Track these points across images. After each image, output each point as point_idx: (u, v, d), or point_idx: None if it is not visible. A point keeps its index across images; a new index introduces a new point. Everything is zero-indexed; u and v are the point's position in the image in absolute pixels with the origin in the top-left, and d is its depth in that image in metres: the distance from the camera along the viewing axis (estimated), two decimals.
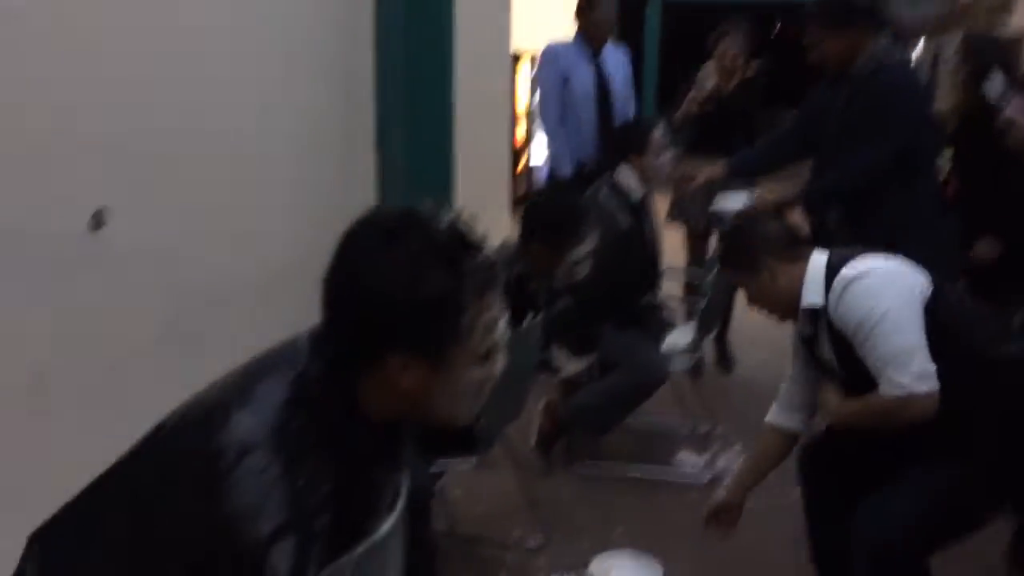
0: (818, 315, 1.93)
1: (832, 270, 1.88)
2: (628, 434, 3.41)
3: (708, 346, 4.07)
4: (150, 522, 1.01)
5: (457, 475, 2.71)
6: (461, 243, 1.06)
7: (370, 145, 3.84)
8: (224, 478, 0.95)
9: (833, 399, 1.95)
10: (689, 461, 3.22)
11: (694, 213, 4.05)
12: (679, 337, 3.24)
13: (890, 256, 1.91)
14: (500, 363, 1.13)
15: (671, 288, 3.82)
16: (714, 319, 3.32)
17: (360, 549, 1.10)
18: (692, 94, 3.99)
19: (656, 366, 3.00)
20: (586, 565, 2.49)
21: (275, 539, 0.94)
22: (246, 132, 2.99)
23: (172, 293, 2.66)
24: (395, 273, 1.02)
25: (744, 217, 2.96)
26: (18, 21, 2.08)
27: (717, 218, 3.94)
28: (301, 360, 1.07)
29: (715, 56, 4.12)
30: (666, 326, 3.34)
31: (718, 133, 3.92)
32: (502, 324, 1.11)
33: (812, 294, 1.91)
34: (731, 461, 3.22)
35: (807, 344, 2.02)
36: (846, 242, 2.88)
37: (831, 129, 2.85)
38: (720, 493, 2.17)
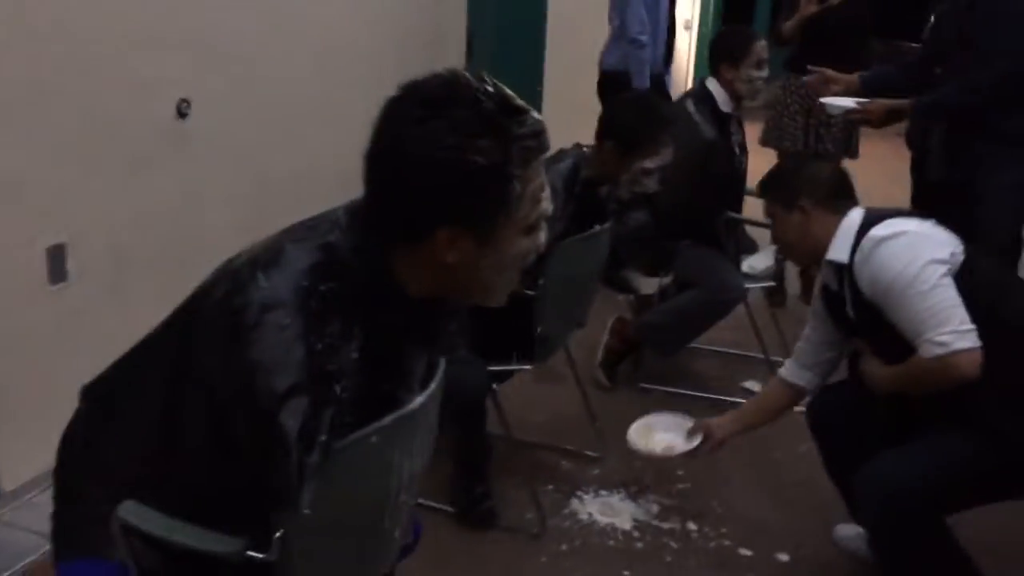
0: (842, 273, 1.86)
1: (864, 229, 1.81)
2: (697, 356, 3.37)
3: (793, 277, 3.95)
4: (180, 373, 1.05)
5: (519, 384, 2.74)
6: (507, 109, 1.02)
7: (460, 54, 3.81)
8: (247, 331, 0.97)
9: (875, 366, 1.88)
10: (757, 388, 3.16)
11: (791, 134, 3.87)
12: (759, 260, 3.14)
13: (925, 219, 1.83)
14: (544, 235, 1.10)
15: (759, 212, 3.70)
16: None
17: (387, 420, 1.11)
18: (803, 8, 3.71)
19: (732, 287, 2.92)
20: (638, 483, 2.50)
21: (288, 396, 0.96)
22: (331, 32, 3.00)
23: (250, 186, 2.73)
24: (442, 142, 0.98)
25: (847, 116, 2.85)
26: None
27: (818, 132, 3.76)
28: (336, 229, 1.07)
29: None
30: (747, 247, 3.24)
31: (825, 53, 3.67)
32: (547, 193, 1.08)
33: (839, 250, 1.84)
34: None
35: (832, 301, 1.95)
36: (942, 166, 2.74)
37: (947, 34, 2.65)
38: (714, 419, 2.13)
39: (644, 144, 2.26)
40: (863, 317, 1.85)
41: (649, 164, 2.29)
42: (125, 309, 2.30)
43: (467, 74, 1.04)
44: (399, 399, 1.16)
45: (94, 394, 1.20)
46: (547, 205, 1.08)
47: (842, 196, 1.93)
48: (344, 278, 1.04)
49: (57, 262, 2.16)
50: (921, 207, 2.79)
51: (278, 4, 2.71)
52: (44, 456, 1.87)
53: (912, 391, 1.81)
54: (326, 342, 1.00)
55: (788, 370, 2.11)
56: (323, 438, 0.99)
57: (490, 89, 1.02)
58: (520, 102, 1.04)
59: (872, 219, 1.83)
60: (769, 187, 2.03)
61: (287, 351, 0.97)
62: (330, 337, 1.01)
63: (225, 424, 1.01)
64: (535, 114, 1.05)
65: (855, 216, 1.86)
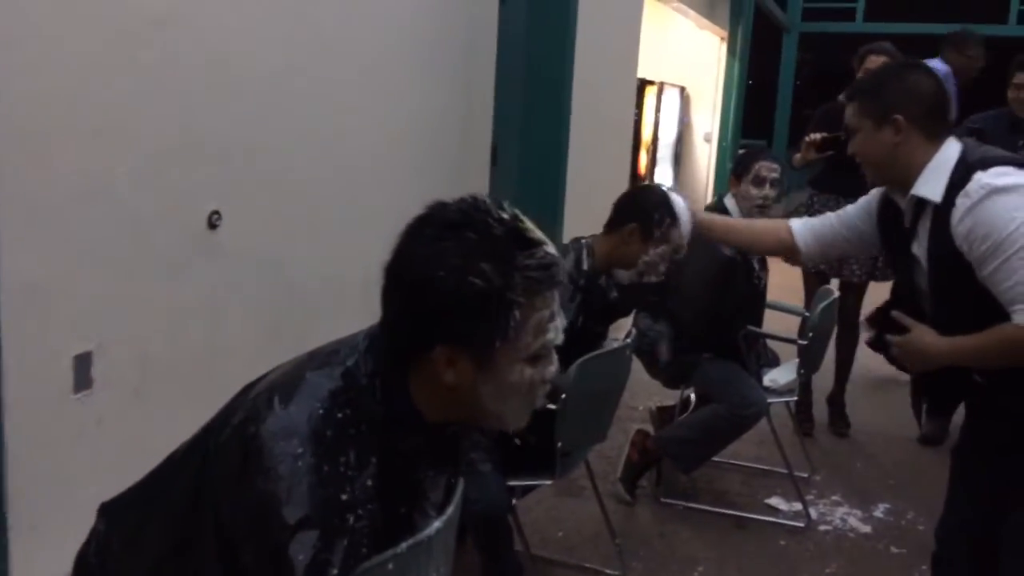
0: (922, 209, 1.68)
1: (965, 168, 1.62)
2: (720, 471, 3.31)
3: (821, 404, 3.91)
4: (195, 500, 1.05)
5: (539, 498, 2.70)
6: (518, 238, 1.04)
7: (485, 161, 3.91)
8: (259, 459, 0.97)
9: (928, 336, 1.68)
10: (781, 505, 3.09)
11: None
12: (781, 374, 3.13)
13: None
14: (553, 366, 1.11)
15: (784, 326, 3.69)
16: (817, 358, 3.18)
17: (403, 546, 1.10)
18: (810, 137, 3.64)
19: (752, 401, 2.90)
20: None
21: (298, 529, 0.94)
22: (359, 143, 3.10)
23: (278, 295, 2.77)
24: (445, 263, 1.01)
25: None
26: (155, 38, 2.24)
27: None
28: (356, 354, 1.09)
29: (859, 76, 3.67)
30: (768, 361, 3.22)
31: (850, 173, 3.65)
32: (556, 326, 1.08)
33: (930, 186, 1.65)
34: (827, 511, 3.06)
35: (891, 230, 1.78)
36: None
37: None
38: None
39: (666, 227, 2.28)
40: (938, 267, 1.65)
41: (667, 248, 2.30)
42: (148, 417, 2.31)
43: (488, 200, 1.07)
44: (415, 524, 1.15)
45: (112, 514, 1.20)
46: (554, 336, 1.08)
47: (940, 121, 1.72)
48: (361, 404, 1.04)
49: (82, 370, 2.19)
50: None
51: (306, 117, 2.81)
52: (59, 564, 1.85)
53: (984, 364, 1.63)
54: (340, 471, 0.99)
55: (798, 223, 2.05)
56: (335, 571, 0.96)
57: (505, 217, 1.05)
58: (534, 234, 1.06)
59: (973, 159, 1.63)
60: (860, 93, 1.79)
61: (299, 481, 0.96)
62: (344, 466, 1.00)
63: (235, 555, 0.99)
64: (549, 247, 1.06)
65: (952, 150, 1.66)
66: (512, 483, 2.21)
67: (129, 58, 2.19)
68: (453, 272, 1.01)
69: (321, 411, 1.01)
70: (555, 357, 1.10)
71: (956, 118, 3.76)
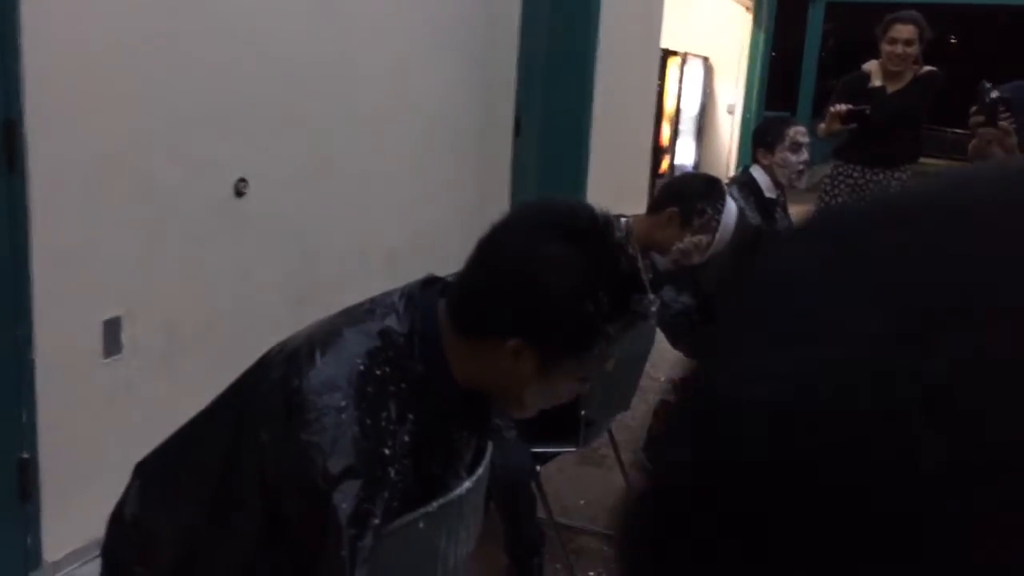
0: None
1: None
2: None
3: None
4: (235, 452, 1.06)
5: (563, 467, 2.71)
6: (636, 282, 1.06)
7: (507, 135, 3.89)
8: (304, 411, 0.98)
9: None
10: None
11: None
12: None
13: None
14: (588, 385, 1.14)
15: None
16: None
17: (435, 505, 1.11)
18: (835, 107, 3.58)
19: None
20: None
21: (342, 479, 0.96)
22: (385, 114, 3.09)
23: (304, 263, 2.79)
24: (569, 274, 1.02)
25: None
26: (177, 14, 2.24)
27: None
28: (393, 313, 1.09)
29: (884, 46, 3.65)
30: None
31: (876, 139, 3.59)
32: (614, 355, 1.11)
33: None
34: None
35: None
36: None
37: None
38: None
39: (707, 217, 2.26)
40: None
41: (705, 239, 2.28)
42: (175, 382, 2.34)
43: (614, 222, 1.07)
44: (446, 484, 1.16)
45: (146, 471, 1.22)
46: (610, 366, 1.12)
47: None
48: (399, 363, 1.05)
49: (112, 335, 2.21)
50: None
51: (332, 89, 2.81)
52: (88, 528, 1.88)
53: None
54: (381, 425, 1.01)
55: None
56: (376, 521, 0.99)
57: (631, 253, 1.06)
58: (646, 281, 1.09)
59: None
60: None
61: (343, 433, 0.98)
62: (385, 420, 1.02)
63: (278, 504, 1.01)
64: (652, 297, 1.09)
65: None
66: (536, 450, 2.22)
67: (158, 27, 2.19)
68: (573, 288, 1.01)
69: (361, 367, 1.02)
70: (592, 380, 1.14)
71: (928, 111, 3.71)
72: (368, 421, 1.00)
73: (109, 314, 2.20)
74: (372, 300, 1.13)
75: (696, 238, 2.27)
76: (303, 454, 0.97)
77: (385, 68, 3.04)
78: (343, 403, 0.99)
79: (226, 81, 2.41)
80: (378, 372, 1.03)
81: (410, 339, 1.07)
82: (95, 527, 1.85)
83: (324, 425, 0.98)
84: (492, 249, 1.07)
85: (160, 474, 1.19)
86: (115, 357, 2.22)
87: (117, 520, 1.20)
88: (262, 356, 1.12)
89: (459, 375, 1.10)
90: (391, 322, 1.08)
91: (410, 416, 1.04)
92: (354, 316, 1.10)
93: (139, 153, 2.20)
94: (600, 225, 1.05)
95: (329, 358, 1.02)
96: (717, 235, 2.30)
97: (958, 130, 4.73)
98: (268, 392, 1.04)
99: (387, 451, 1.01)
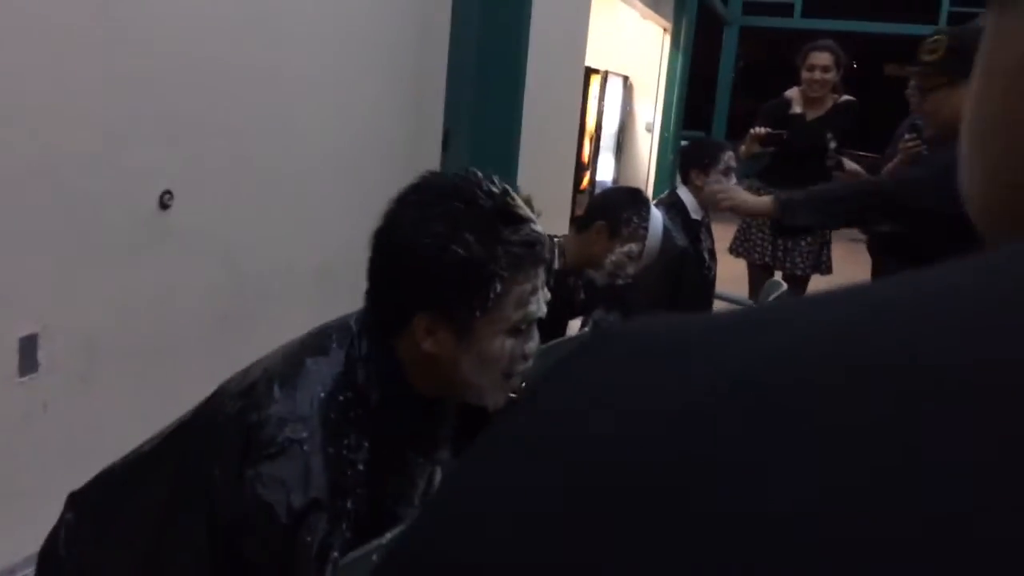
0: None
1: None
2: None
3: None
4: (183, 489, 1.03)
5: None
6: (503, 213, 1.04)
7: (435, 148, 3.89)
8: (265, 446, 0.96)
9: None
10: None
11: (759, 246, 3.95)
12: None
13: None
14: (534, 341, 1.11)
15: None
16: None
17: (388, 537, 1.10)
18: (755, 130, 3.70)
19: None
20: None
21: (307, 513, 0.94)
22: (314, 127, 3.05)
23: (227, 279, 2.72)
24: (429, 230, 1.01)
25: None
26: (105, 14, 2.16)
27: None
28: (350, 338, 1.08)
29: (803, 73, 3.82)
30: None
31: (795, 163, 3.70)
32: (540, 301, 1.09)
33: None
34: None
35: None
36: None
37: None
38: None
39: (633, 226, 2.30)
40: None
41: (635, 247, 2.32)
42: (95, 401, 2.25)
43: (480, 174, 1.06)
44: (397, 515, 1.15)
45: (82, 504, 1.17)
46: (535, 309, 1.08)
47: None
48: (357, 389, 1.04)
49: (28, 352, 2.11)
50: None
51: (258, 101, 2.75)
52: (5, 548, 1.78)
53: None
54: (343, 454, 1.00)
55: None
56: (335, 555, 0.97)
57: (494, 191, 1.05)
58: (521, 210, 1.06)
59: None
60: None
61: (307, 466, 0.96)
62: (346, 448, 1.00)
63: (231, 543, 0.98)
64: (535, 225, 1.07)
65: None
66: None
67: (77, 37, 2.11)
68: (436, 239, 1.01)
69: (323, 394, 1.00)
70: (536, 332, 1.11)
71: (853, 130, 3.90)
72: (331, 450, 0.98)
73: (25, 331, 2.10)
74: (328, 326, 1.12)
75: (627, 247, 2.31)
76: (266, 490, 0.94)
77: (314, 80, 3.00)
78: (304, 434, 0.97)
79: (151, 91, 2.33)
80: (340, 398, 1.02)
81: (367, 363, 1.06)
82: (7, 555, 1.76)
83: (285, 459, 0.95)
84: (374, 241, 1.08)
85: (97, 510, 1.14)
86: (31, 376, 2.12)
87: (50, 556, 1.15)
88: (214, 391, 1.09)
89: (423, 390, 1.09)
90: (349, 347, 1.07)
91: (365, 444, 1.03)
92: (314, 345, 1.08)
93: (58, 164, 2.11)
94: (460, 178, 1.06)
95: (289, 390, 1.00)
96: (647, 242, 2.35)
97: (871, 154, 4.97)
98: (223, 427, 1.01)
99: (347, 480, 1.00)
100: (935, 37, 2.21)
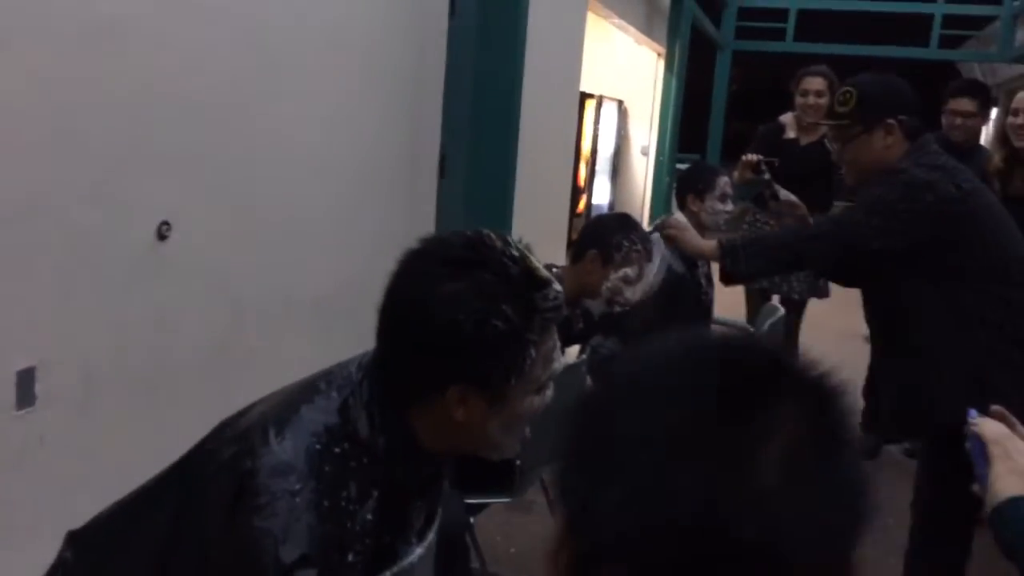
0: None
1: None
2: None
3: None
4: (176, 533, 1.02)
5: (488, 514, 2.69)
6: (532, 278, 1.04)
7: (433, 174, 3.90)
8: (256, 496, 0.94)
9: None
10: None
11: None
12: None
13: None
14: (551, 391, 1.11)
15: None
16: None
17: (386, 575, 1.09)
18: (746, 157, 3.69)
19: None
20: None
21: (295, 568, 0.92)
22: (310, 155, 3.06)
23: (226, 311, 2.71)
24: (467, 304, 0.99)
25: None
26: (101, 42, 2.18)
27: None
28: (350, 386, 1.07)
29: (797, 98, 3.83)
30: None
31: (795, 189, 3.74)
32: (559, 355, 1.09)
33: None
34: None
35: None
36: None
37: None
38: None
39: (625, 250, 2.30)
40: None
41: (630, 272, 2.32)
42: (93, 435, 2.24)
43: (492, 235, 1.06)
44: (397, 552, 1.14)
45: (80, 544, 1.16)
46: (558, 365, 1.09)
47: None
48: (359, 438, 1.03)
49: (25, 386, 2.10)
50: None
51: (255, 129, 2.76)
52: None
53: None
54: (341, 506, 0.98)
55: None
56: None
57: (516, 254, 1.05)
58: (544, 273, 1.07)
59: None
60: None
61: (297, 518, 0.94)
62: (345, 500, 0.98)
63: None
64: (556, 285, 1.08)
65: None
66: (469, 500, 2.21)
67: (74, 68, 2.12)
68: (474, 315, 0.99)
69: (318, 446, 0.99)
70: (552, 383, 1.11)
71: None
72: (326, 503, 0.96)
73: (22, 364, 2.09)
74: (328, 372, 1.11)
75: (621, 272, 2.31)
76: (254, 542, 0.93)
77: (312, 110, 3.02)
78: (298, 486, 0.95)
79: (149, 122, 2.34)
80: (337, 450, 1.00)
81: (371, 412, 1.05)
82: None
83: (276, 510, 0.93)
84: (391, 314, 1.05)
85: (95, 550, 1.13)
86: (28, 409, 2.11)
87: None
88: (211, 432, 1.08)
89: (428, 442, 1.08)
90: (348, 395, 1.06)
91: (374, 492, 1.01)
92: (310, 391, 1.07)
93: (55, 196, 2.11)
94: (476, 242, 1.05)
95: (284, 438, 0.99)
96: (646, 264, 2.35)
97: None
98: (216, 473, 1.00)
99: (346, 533, 0.98)
100: (844, 89, 2.26)
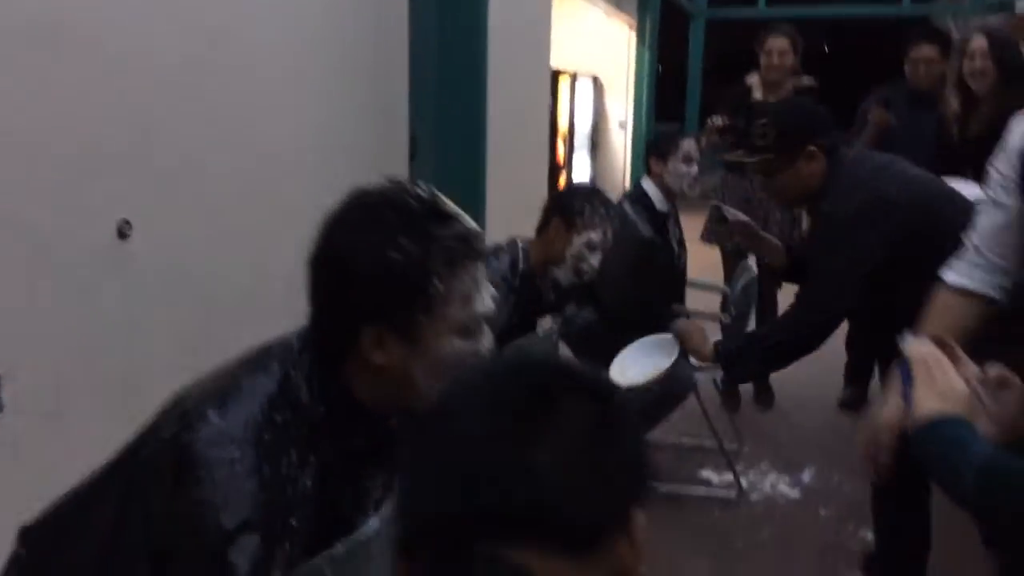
0: None
1: None
2: (651, 449, 3.36)
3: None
4: (122, 517, 1.01)
5: None
6: (434, 213, 1.04)
7: (403, 158, 3.88)
8: (194, 468, 0.94)
9: None
10: (713, 478, 3.16)
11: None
12: None
13: None
14: (486, 340, 1.10)
15: (709, 304, 3.77)
16: (740, 334, 3.26)
17: (340, 547, 1.08)
18: (710, 121, 3.74)
19: (681, 379, 2.95)
20: None
21: (238, 533, 0.93)
22: (275, 146, 3.03)
23: (195, 308, 2.69)
24: (364, 242, 1.01)
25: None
26: (47, 39, 2.15)
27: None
28: (290, 356, 1.07)
29: (761, 59, 3.88)
30: None
31: None
32: (484, 297, 1.08)
33: None
34: (757, 479, 3.15)
35: None
36: None
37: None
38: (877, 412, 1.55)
39: (587, 215, 2.31)
40: None
41: (593, 236, 2.33)
42: (64, 441, 2.22)
43: (407, 183, 1.07)
44: (353, 523, 1.13)
45: (32, 538, 1.15)
46: (481, 307, 1.07)
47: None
48: (300, 407, 1.03)
49: None
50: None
51: (215, 116, 2.73)
52: None
53: None
54: (282, 472, 0.98)
55: (958, 274, 1.65)
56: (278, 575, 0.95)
57: (423, 195, 1.05)
58: (450, 208, 1.07)
59: None
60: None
61: (237, 486, 0.94)
62: (286, 467, 0.98)
63: (168, 570, 0.97)
64: (467, 221, 1.07)
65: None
66: None
67: (26, 67, 2.09)
68: (372, 249, 1.00)
69: (259, 416, 0.99)
70: (487, 330, 1.10)
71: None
72: (267, 469, 0.96)
73: None
74: (268, 345, 1.10)
75: (584, 237, 2.33)
76: (195, 512, 0.93)
77: (270, 95, 2.99)
78: (237, 454, 0.96)
79: (103, 117, 2.32)
80: (278, 419, 1.00)
81: (310, 381, 1.04)
82: None
83: (215, 479, 0.94)
84: (310, 268, 1.07)
85: (46, 543, 1.12)
86: None
87: None
88: (154, 415, 1.07)
89: (367, 399, 1.08)
90: (290, 366, 1.05)
91: (312, 459, 1.01)
92: (250, 365, 1.06)
93: (8, 201, 2.09)
94: (389, 188, 1.07)
95: (223, 411, 0.99)
96: (610, 230, 2.36)
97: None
98: (158, 452, 1.00)
99: (288, 499, 0.98)
100: (761, 122, 2.27)
